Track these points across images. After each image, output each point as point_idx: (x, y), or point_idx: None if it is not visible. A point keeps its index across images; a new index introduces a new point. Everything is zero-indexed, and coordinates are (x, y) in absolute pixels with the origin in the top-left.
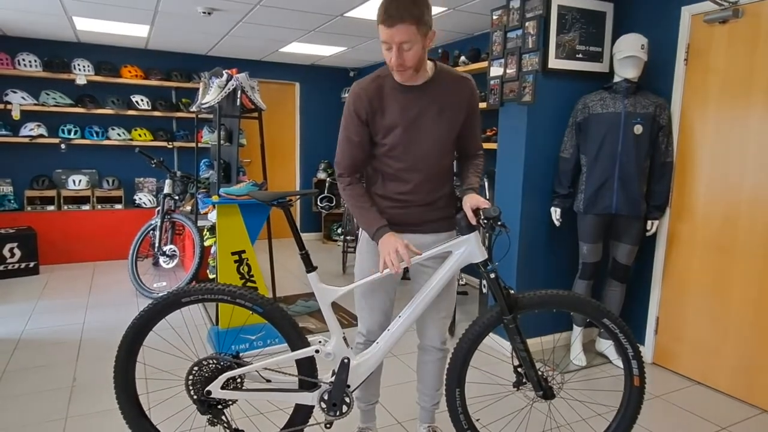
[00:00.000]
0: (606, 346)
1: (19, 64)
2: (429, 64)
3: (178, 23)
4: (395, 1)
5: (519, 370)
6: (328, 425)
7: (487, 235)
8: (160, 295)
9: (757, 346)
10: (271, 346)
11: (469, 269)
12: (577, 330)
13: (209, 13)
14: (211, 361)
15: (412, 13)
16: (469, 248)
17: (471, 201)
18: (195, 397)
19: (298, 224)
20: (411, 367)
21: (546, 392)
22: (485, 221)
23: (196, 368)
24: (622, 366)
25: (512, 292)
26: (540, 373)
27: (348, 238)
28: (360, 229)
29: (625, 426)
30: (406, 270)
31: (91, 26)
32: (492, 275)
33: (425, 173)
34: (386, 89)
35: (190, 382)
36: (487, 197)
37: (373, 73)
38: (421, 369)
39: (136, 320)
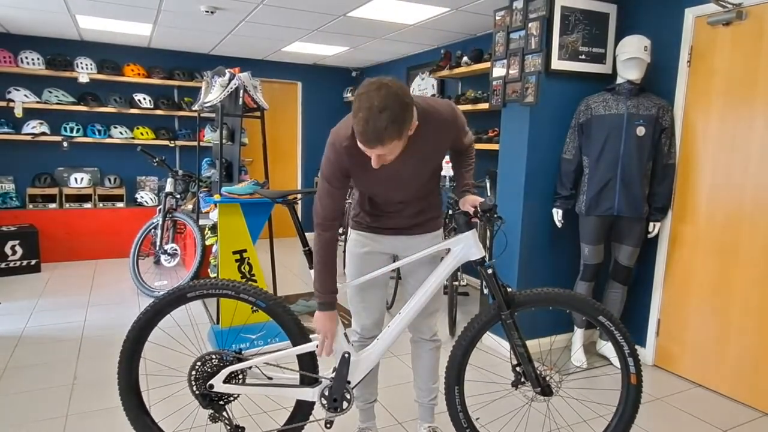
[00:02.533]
0: (606, 346)
1: (22, 62)
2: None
3: (181, 22)
4: (374, 121)
5: (517, 368)
6: (328, 424)
7: (487, 232)
8: (165, 291)
9: (759, 349)
10: (270, 345)
11: (472, 271)
12: (578, 331)
13: (212, 12)
14: (213, 356)
15: (391, 134)
16: (467, 246)
17: (469, 200)
18: (197, 391)
19: None
20: (411, 367)
21: (544, 389)
22: (481, 214)
23: (199, 363)
24: (619, 365)
25: (510, 289)
26: (538, 370)
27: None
28: (348, 227)
29: (623, 424)
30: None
31: (94, 24)
32: (489, 271)
33: (411, 201)
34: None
35: (192, 376)
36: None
37: (352, 128)
38: (415, 363)
39: (142, 315)
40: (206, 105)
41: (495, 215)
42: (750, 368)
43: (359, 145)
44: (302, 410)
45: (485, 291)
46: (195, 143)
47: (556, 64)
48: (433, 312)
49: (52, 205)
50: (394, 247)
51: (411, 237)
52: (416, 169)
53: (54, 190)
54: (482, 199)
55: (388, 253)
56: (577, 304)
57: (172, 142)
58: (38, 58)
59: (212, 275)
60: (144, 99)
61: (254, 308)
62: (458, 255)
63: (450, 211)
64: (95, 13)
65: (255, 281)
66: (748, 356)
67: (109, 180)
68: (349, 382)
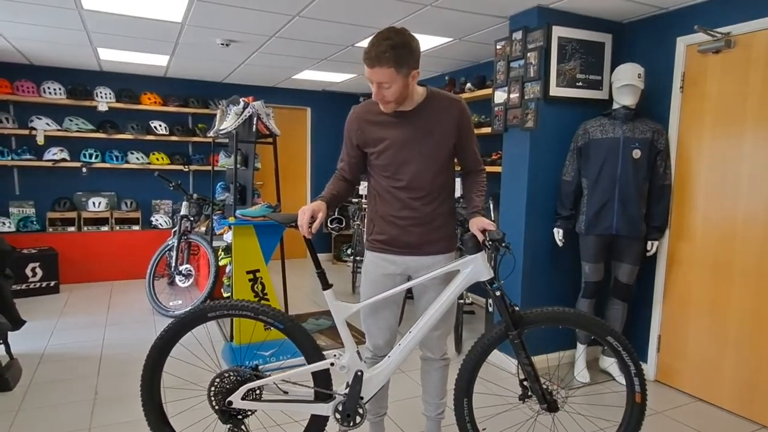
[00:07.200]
0: (609, 363)
1: (44, 91)
2: (420, 90)
3: (197, 54)
4: (377, 45)
5: (525, 383)
6: None
7: (493, 255)
8: (183, 310)
9: (756, 363)
10: (284, 361)
11: (477, 290)
12: (580, 348)
13: (227, 45)
14: (231, 373)
15: (389, 58)
16: (476, 267)
17: (478, 223)
18: (217, 407)
19: None
20: (419, 382)
21: (550, 405)
22: (490, 243)
23: (218, 380)
24: (624, 383)
25: (517, 309)
26: (545, 386)
27: (357, 258)
28: (365, 249)
29: None
30: (410, 290)
31: (113, 56)
32: (498, 293)
33: (420, 191)
34: (379, 115)
35: (212, 392)
36: (492, 219)
37: (371, 99)
38: (424, 379)
39: (164, 333)
40: (222, 132)
41: (503, 245)
42: (747, 382)
43: (365, 69)
44: (316, 424)
45: (491, 309)
46: (207, 168)
47: (555, 91)
48: (444, 332)
49: (71, 229)
50: (407, 267)
51: (425, 257)
52: (422, 141)
53: (73, 214)
54: (492, 225)
55: (403, 274)
56: (584, 323)
57: (185, 166)
58: (59, 88)
59: (225, 295)
60: (160, 126)
61: (267, 327)
62: (467, 276)
63: (458, 233)
64: (117, 47)
65: (267, 300)
66: (745, 370)
67: (126, 204)
68: (362, 398)
